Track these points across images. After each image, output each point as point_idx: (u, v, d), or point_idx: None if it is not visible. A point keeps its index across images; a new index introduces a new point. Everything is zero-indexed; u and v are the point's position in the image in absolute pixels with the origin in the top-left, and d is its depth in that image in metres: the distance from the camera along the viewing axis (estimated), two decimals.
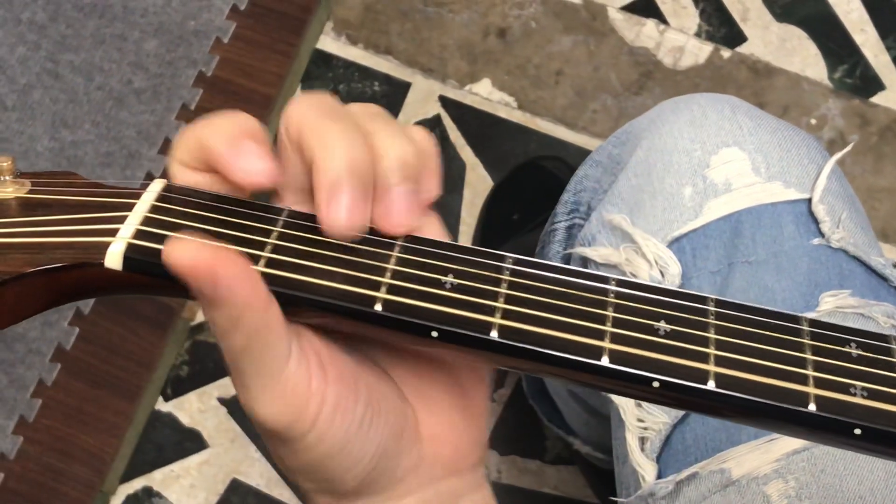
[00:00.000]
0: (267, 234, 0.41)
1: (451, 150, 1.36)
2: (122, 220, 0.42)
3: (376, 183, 0.41)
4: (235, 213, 0.42)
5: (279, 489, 1.24)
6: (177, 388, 1.28)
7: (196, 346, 1.30)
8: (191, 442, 1.26)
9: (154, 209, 0.42)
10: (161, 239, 0.41)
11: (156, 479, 1.25)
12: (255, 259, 0.40)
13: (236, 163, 0.41)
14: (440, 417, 0.45)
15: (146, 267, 0.40)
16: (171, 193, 0.43)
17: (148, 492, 1.25)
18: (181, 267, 0.38)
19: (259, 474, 1.25)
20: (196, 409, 1.27)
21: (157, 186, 0.43)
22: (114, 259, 0.41)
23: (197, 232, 0.41)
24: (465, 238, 1.32)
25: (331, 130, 0.41)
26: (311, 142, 0.41)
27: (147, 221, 0.41)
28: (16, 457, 1.21)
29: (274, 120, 1.37)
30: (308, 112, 0.41)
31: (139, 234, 0.41)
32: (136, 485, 1.25)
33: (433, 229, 0.44)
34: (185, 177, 0.43)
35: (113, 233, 0.41)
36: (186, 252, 0.38)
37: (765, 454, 0.65)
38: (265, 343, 0.39)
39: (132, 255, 0.41)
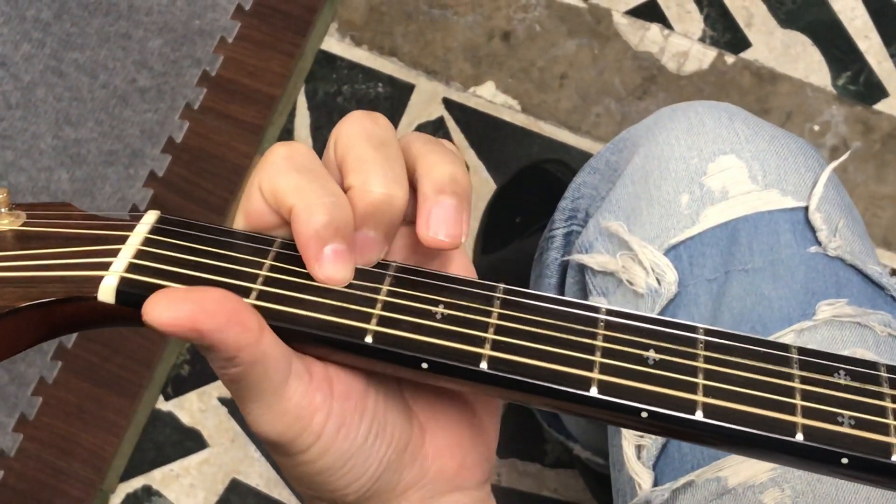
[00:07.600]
0: (259, 266, 0.41)
1: None
2: (115, 253, 0.42)
3: (424, 193, 0.42)
4: (228, 245, 0.42)
5: (278, 489, 1.24)
6: (177, 387, 1.28)
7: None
8: (191, 441, 1.26)
9: (147, 242, 0.42)
10: (154, 272, 0.41)
11: (155, 478, 1.25)
12: (246, 292, 0.40)
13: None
14: (447, 433, 0.45)
15: (139, 301, 0.40)
16: (165, 225, 0.43)
17: (148, 491, 1.25)
18: (162, 326, 0.38)
19: (259, 474, 1.25)
20: (196, 408, 1.27)
21: (150, 218, 0.43)
22: (107, 293, 0.41)
23: (189, 266, 0.41)
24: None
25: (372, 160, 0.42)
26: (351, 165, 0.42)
27: (140, 255, 0.42)
28: (16, 454, 1.21)
29: (277, 120, 1.37)
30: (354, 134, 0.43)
31: (132, 268, 0.41)
32: (136, 483, 1.25)
33: (461, 261, 0.45)
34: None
35: (106, 266, 0.41)
36: (166, 311, 0.38)
37: (761, 462, 0.65)
38: (262, 372, 0.39)
39: (125, 288, 0.41)
